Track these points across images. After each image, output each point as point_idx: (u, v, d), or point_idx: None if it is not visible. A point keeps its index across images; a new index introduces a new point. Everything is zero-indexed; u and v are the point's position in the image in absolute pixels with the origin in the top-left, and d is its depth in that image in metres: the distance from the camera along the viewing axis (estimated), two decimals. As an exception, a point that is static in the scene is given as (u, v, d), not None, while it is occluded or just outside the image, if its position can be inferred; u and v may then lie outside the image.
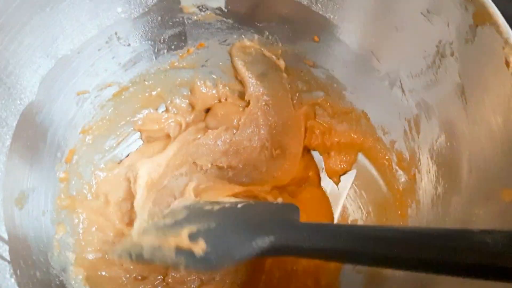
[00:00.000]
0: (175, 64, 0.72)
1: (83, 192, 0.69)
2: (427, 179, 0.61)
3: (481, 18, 0.47)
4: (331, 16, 0.64)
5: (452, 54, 0.53)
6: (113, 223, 0.70)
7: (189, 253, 0.50)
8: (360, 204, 0.73)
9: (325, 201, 0.77)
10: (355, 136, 0.73)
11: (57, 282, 0.61)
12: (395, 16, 0.58)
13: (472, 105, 0.52)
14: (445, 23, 0.52)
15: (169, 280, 0.68)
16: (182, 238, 0.51)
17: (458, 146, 0.55)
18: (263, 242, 0.48)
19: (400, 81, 0.62)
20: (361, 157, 0.73)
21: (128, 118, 0.74)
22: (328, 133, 0.76)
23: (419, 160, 0.63)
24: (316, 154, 0.79)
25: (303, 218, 0.76)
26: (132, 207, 0.71)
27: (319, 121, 0.77)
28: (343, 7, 0.62)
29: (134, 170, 0.73)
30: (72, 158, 0.67)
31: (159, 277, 0.69)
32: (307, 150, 0.79)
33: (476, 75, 0.50)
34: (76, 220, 0.67)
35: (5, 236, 0.53)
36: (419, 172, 0.63)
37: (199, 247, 0.50)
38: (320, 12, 0.64)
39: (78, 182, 0.68)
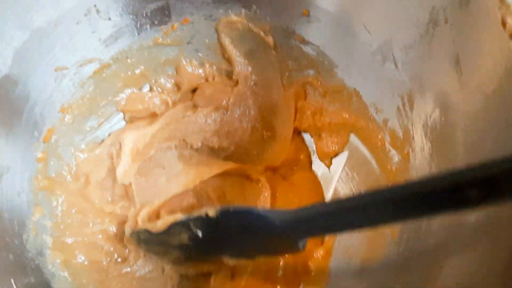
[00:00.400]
0: (159, 41, 0.69)
1: (63, 174, 0.66)
2: (421, 157, 0.58)
3: (475, -23, 0.45)
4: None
5: (446, 21, 0.50)
6: (93, 203, 0.67)
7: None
8: (352, 186, 0.70)
9: (316, 185, 0.74)
10: (347, 116, 0.70)
11: (33, 266, 0.58)
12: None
13: (467, 75, 0.49)
14: (438, -13, 0.49)
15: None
16: None
17: (453, 119, 0.52)
18: None
19: (393, 54, 0.59)
20: (353, 138, 0.70)
21: (110, 98, 0.71)
22: (319, 113, 0.73)
23: (413, 138, 0.60)
24: (307, 137, 0.76)
25: (295, 201, 0.74)
26: (114, 183, 0.69)
27: (310, 101, 0.74)
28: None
29: (118, 141, 0.70)
30: (51, 137, 0.64)
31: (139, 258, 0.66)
32: (297, 132, 0.76)
33: (471, 41, 0.47)
34: (55, 203, 0.64)
35: (-24, 216, 0.51)
36: (412, 150, 0.60)
37: None
38: (309, -17, 0.61)
39: (57, 163, 0.65)
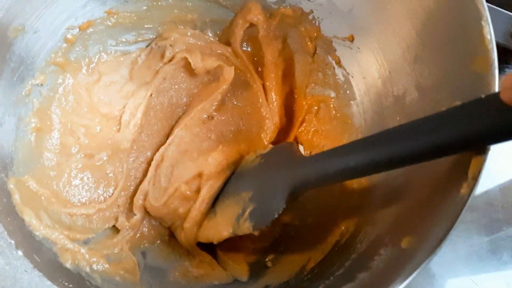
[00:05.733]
0: (220, 0, 0.73)
1: (80, 63, 0.71)
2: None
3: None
4: (372, 22, 0.63)
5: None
6: (92, 100, 0.72)
7: None
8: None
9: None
10: (339, 148, 0.70)
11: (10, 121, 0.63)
12: (422, 45, 0.55)
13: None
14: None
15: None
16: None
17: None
18: (283, 198, 0.55)
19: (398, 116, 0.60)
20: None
21: (155, 25, 0.75)
22: (320, 134, 0.74)
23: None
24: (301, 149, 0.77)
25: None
26: (122, 87, 0.75)
27: (319, 118, 0.75)
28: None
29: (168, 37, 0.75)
30: (87, 29, 0.69)
31: (105, 157, 0.71)
32: (296, 142, 0.77)
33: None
34: (60, 80, 0.69)
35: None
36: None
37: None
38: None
39: (81, 52, 0.71)
